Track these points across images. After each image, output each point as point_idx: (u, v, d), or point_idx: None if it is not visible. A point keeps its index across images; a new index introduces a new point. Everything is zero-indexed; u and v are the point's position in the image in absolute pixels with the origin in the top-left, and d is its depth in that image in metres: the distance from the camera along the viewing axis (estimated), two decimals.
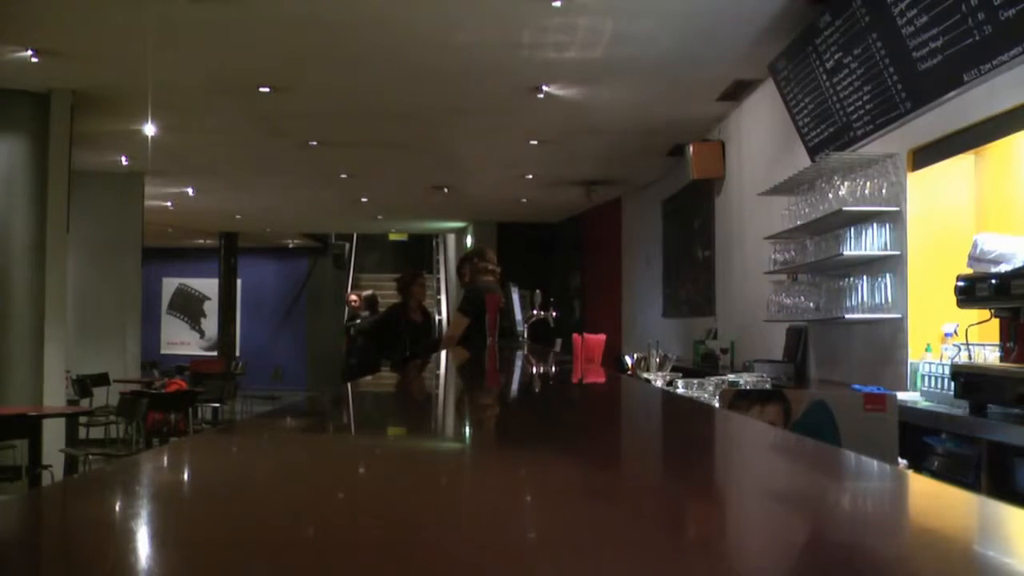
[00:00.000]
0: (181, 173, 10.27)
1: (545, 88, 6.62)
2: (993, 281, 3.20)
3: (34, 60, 5.97)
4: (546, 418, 1.81)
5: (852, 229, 4.63)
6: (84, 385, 8.68)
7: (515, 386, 2.76)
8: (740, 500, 0.91)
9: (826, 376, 5.30)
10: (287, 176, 10.48)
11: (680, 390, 2.73)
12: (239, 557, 0.62)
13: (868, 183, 4.50)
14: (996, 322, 3.50)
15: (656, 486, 0.98)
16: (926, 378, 3.85)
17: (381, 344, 7.57)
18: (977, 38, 3.54)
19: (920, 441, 3.39)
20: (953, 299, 3.47)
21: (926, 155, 4.26)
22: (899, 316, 4.39)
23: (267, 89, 6.67)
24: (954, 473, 3.20)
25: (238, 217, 14.63)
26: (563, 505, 0.81)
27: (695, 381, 2.78)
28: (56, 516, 0.78)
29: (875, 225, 4.53)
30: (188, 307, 18.73)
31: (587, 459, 1.17)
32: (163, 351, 17.50)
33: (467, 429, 1.62)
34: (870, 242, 4.54)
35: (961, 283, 3.41)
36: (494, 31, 5.58)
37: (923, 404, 3.65)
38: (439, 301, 17.30)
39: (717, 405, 2.44)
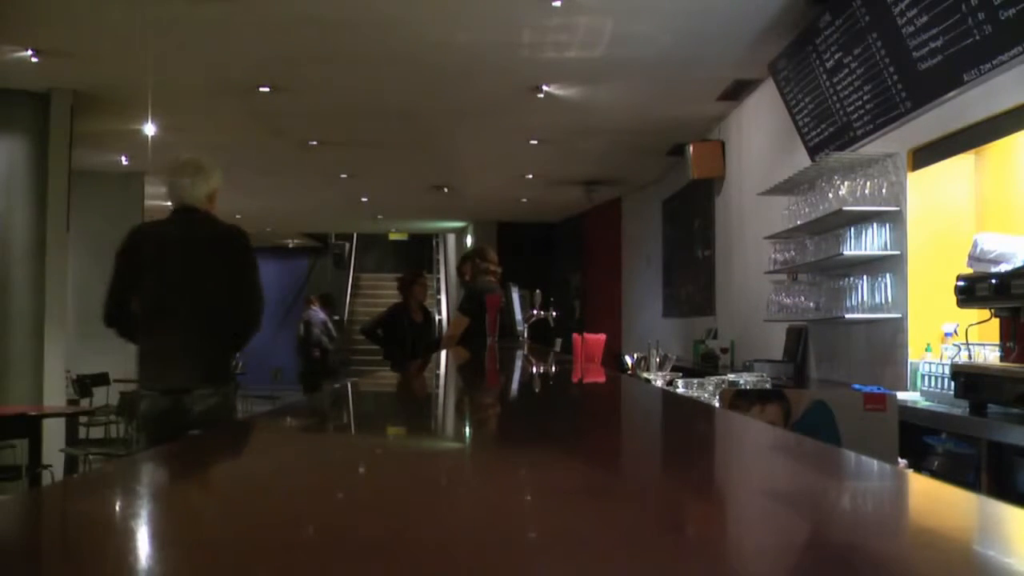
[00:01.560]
0: None
1: (545, 88, 6.62)
2: (993, 281, 3.20)
3: (34, 60, 5.97)
4: (546, 418, 1.81)
5: (852, 229, 4.63)
6: (84, 385, 8.67)
7: (515, 386, 2.76)
8: (740, 500, 0.91)
9: (826, 376, 5.30)
10: (287, 176, 10.48)
11: (680, 390, 2.73)
12: (239, 557, 0.62)
13: (868, 183, 4.50)
14: (996, 322, 3.50)
15: (656, 486, 0.98)
16: (926, 378, 3.85)
17: (384, 343, 7.59)
18: (977, 38, 3.54)
19: (920, 441, 3.39)
20: (953, 299, 3.47)
21: (926, 155, 4.26)
22: (899, 316, 4.39)
23: (267, 89, 6.68)
24: (954, 473, 3.20)
25: (238, 217, 14.61)
26: (563, 505, 0.81)
27: (695, 381, 2.78)
28: (56, 516, 0.78)
29: (875, 225, 4.53)
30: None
31: (587, 459, 1.17)
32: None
33: (467, 429, 1.62)
34: (870, 242, 4.54)
35: (961, 283, 3.41)
36: (494, 31, 5.58)
37: (923, 404, 3.65)
38: (439, 301, 17.31)
39: (717, 405, 2.44)
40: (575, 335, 3.67)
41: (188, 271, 3.44)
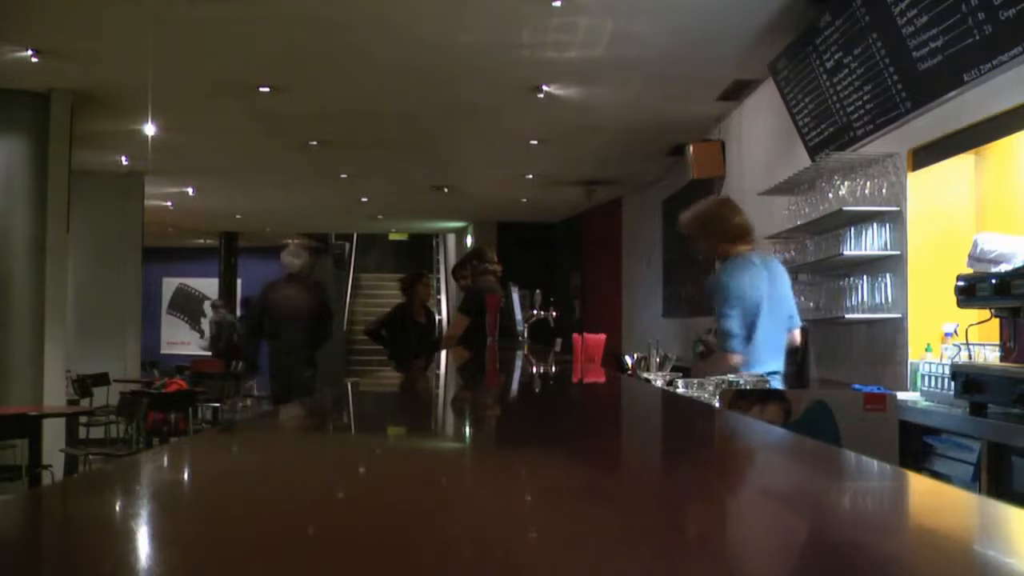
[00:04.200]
0: (181, 173, 10.27)
1: (545, 88, 6.62)
2: (993, 281, 3.20)
3: (34, 60, 5.96)
4: (546, 418, 1.81)
5: (852, 229, 4.63)
6: (84, 385, 8.68)
7: (515, 386, 2.76)
8: (740, 500, 0.91)
9: (826, 376, 5.30)
10: (287, 176, 10.48)
11: (680, 390, 2.73)
12: (239, 557, 0.62)
13: (868, 183, 4.50)
14: (996, 322, 3.50)
15: (656, 486, 0.98)
16: (926, 378, 3.84)
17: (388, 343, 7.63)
18: (977, 38, 3.54)
19: (920, 441, 3.39)
20: (953, 299, 3.47)
21: (926, 155, 4.26)
22: (899, 316, 4.39)
23: (267, 89, 6.67)
24: (954, 473, 3.20)
25: (238, 217, 14.63)
26: (563, 505, 0.81)
27: (695, 381, 2.78)
28: (56, 516, 0.78)
29: (875, 225, 4.53)
30: (188, 307, 18.72)
31: (587, 459, 1.17)
32: (163, 351, 17.47)
33: (467, 429, 1.62)
34: (870, 242, 4.53)
35: (961, 283, 3.41)
36: (494, 31, 5.58)
37: (923, 404, 3.64)
38: (439, 301, 17.32)
39: (717, 405, 2.44)
40: (575, 335, 3.67)
41: (293, 308, 6.66)
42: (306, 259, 6.84)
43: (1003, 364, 3.40)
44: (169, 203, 12.18)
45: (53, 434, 6.81)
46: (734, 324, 3.55)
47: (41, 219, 6.87)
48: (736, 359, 3.52)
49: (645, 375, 3.03)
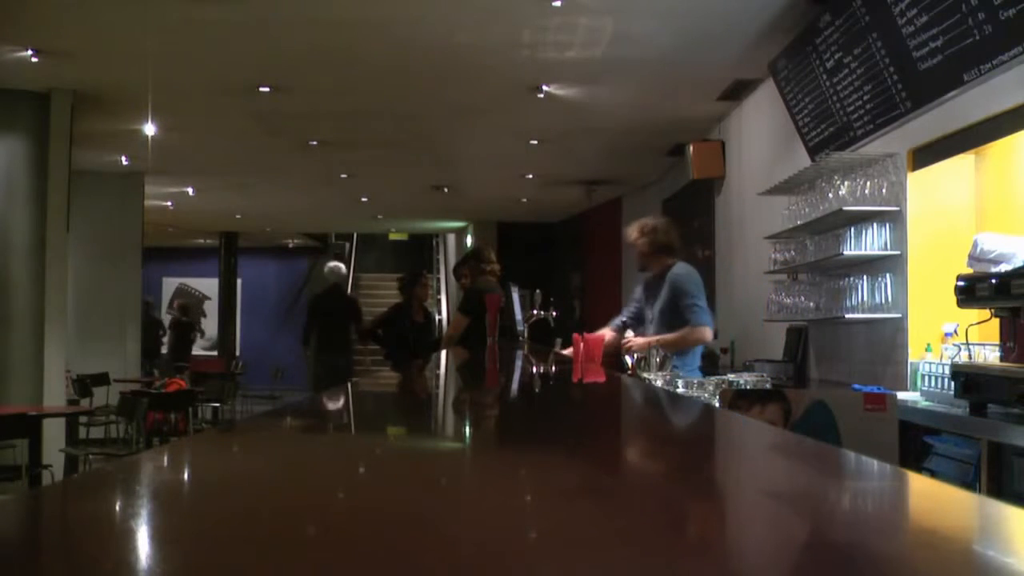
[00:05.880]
0: (181, 173, 10.27)
1: (545, 88, 6.62)
2: (993, 281, 3.20)
3: (34, 60, 5.96)
4: (547, 418, 1.81)
5: (852, 229, 4.63)
6: (84, 385, 8.67)
7: (515, 386, 2.76)
8: (740, 500, 0.91)
9: (826, 376, 5.30)
10: (287, 176, 10.48)
11: (680, 390, 2.73)
12: (239, 557, 0.62)
13: (868, 183, 4.50)
14: (996, 322, 3.50)
15: (656, 486, 0.98)
16: (926, 378, 3.84)
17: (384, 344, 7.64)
18: (977, 38, 3.54)
19: (920, 441, 3.39)
20: (953, 299, 3.47)
21: (926, 155, 4.26)
22: (899, 316, 4.39)
23: (267, 89, 6.67)
24: (954, 473, 3.20)
25: (238, 217, 14.62)
26: (564, 505, 0.81)
27: (695, 381, 2.78)
28: (56, 516, 0.78)
29: (875, 225, 4.53)
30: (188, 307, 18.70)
31: (587, 459, 1.17)
32: (163, 351, 17.46)
33: (468, 428, 1.62)
34: (870, 242, 4.53)
35: (961, 283, 3.41)
36: (494, 31, 5.58)
37: (923, 404, 3.64)
38: (439, 301, 17.32)
39: (717, 405, 2.44)
40: (575, 335, 3.67)
41: (336, 311, 8.28)
42: (342, 273, 8.87)
43: (1003, 364, 3.40)
44: (169, 203, 12.17)
45: (53, 434, 6.80)
46: (706, 306, 4.39)
47: (41, 219, 6.87)
48: (708, 333, 4.36)
49: (645, 375, 3.03)
